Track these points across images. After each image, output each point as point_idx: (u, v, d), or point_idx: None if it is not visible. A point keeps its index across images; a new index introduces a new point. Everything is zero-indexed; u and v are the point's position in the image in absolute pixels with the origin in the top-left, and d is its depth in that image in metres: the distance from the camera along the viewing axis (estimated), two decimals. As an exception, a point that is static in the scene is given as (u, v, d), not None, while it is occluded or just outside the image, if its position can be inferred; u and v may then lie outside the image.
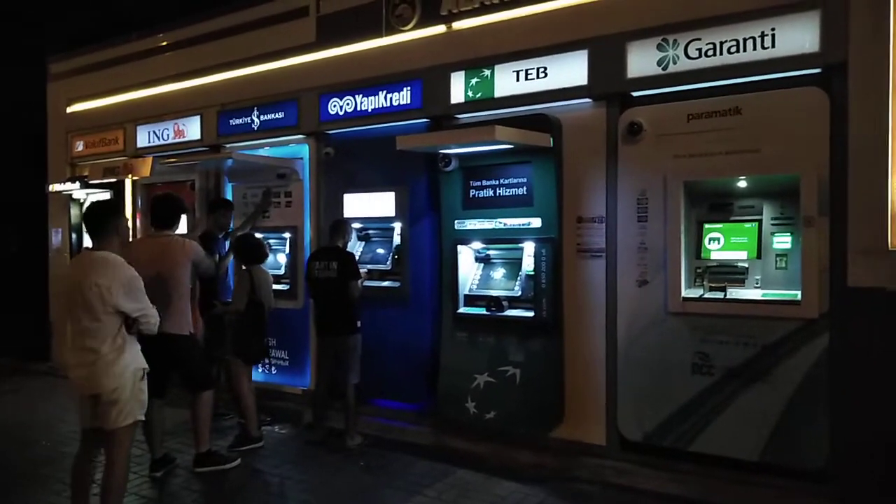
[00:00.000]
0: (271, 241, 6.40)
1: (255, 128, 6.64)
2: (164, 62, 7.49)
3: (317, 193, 6.24)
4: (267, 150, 6.57)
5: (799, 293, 4.00)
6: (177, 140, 7.37)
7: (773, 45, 4.07)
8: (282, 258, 6.46)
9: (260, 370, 6.20)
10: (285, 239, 6.42)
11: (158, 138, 7.59)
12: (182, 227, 5.10)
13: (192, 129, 7.23)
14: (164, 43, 7.53)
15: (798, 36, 3.99)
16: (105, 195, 7.81)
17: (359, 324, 5.23)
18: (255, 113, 6.62)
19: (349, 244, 5.54)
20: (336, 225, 5.41)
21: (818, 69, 3.99)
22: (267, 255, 5.55)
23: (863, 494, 3.84)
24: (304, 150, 6.32)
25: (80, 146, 8.53)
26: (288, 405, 6.20)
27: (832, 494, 3.91)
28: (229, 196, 6.76)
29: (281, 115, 6.44)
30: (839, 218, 3.91)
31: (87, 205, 3.84)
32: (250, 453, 5.14)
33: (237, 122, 6.79)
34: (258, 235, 5.91)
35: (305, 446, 5.36)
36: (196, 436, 4.76)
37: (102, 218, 3.63)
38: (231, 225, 6.14)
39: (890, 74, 3.75)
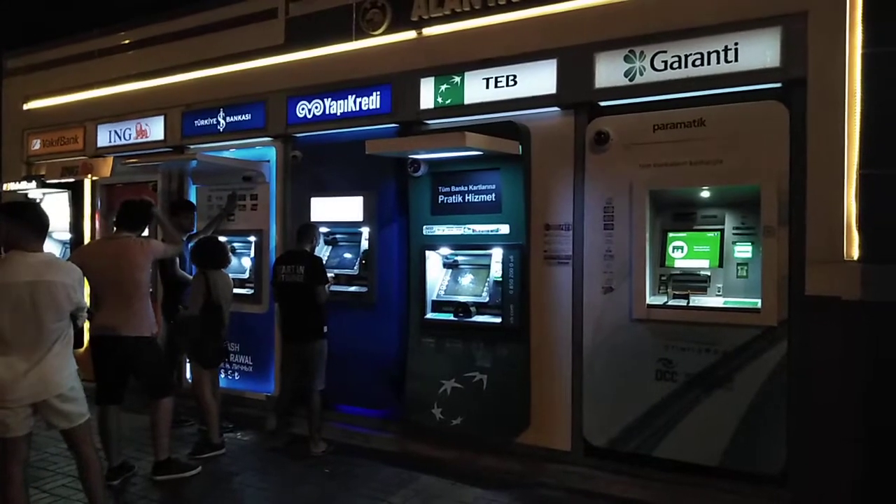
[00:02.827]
0: (236, 245, 6.30)
1: (221, 129, 6.53)
2: (127, 60, 7.32)
3: (283, 197, 6.17)
4: (233, 152, 6.47)
5: (759, 301, 4.09)
6: (139, 140, 7.21)
7: (736, 59, 4.17)
8: (246, 262, 6.37)
9: (223, 376, 6.08)
10: (250, 243, 6.32)
11: (120, 138, 7.41)
12: (145, 232, 4.99)
13: (155, 129, 7.08)
14: (128, 41, 7.37)
15: (760, 51, 4.11)
16: (63, 195, 7.60)
17: (325, 329, 5.18)
18: (221, 114, 6.52)
19: (317, 248, 5.48)
20: (304, 229, 5.36)
21: (779, 84, 4.11)
22: (228, 260, 5.43)
23: (820, 499, 3.94)
24: (270, 153, 6.25)
25: (37, 144, 8.27)
26: (251, 411, 6.10)
27: (790, 499, 4.00)
28: (193, 198, 6.64)
29: (248, 116, 6.35)
30: (798, 228, 4.02)
31: (13, 204, 3.70)
32: (212, 461, 5.04)
33: (202, 122, 6.67)
34: (222, 239, 5.80)
35: (269, 453, 5.28)
36: (155, 443, 4.65)
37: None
38: (195, 227, 6.03)
39: (846, 91, 3.88)
